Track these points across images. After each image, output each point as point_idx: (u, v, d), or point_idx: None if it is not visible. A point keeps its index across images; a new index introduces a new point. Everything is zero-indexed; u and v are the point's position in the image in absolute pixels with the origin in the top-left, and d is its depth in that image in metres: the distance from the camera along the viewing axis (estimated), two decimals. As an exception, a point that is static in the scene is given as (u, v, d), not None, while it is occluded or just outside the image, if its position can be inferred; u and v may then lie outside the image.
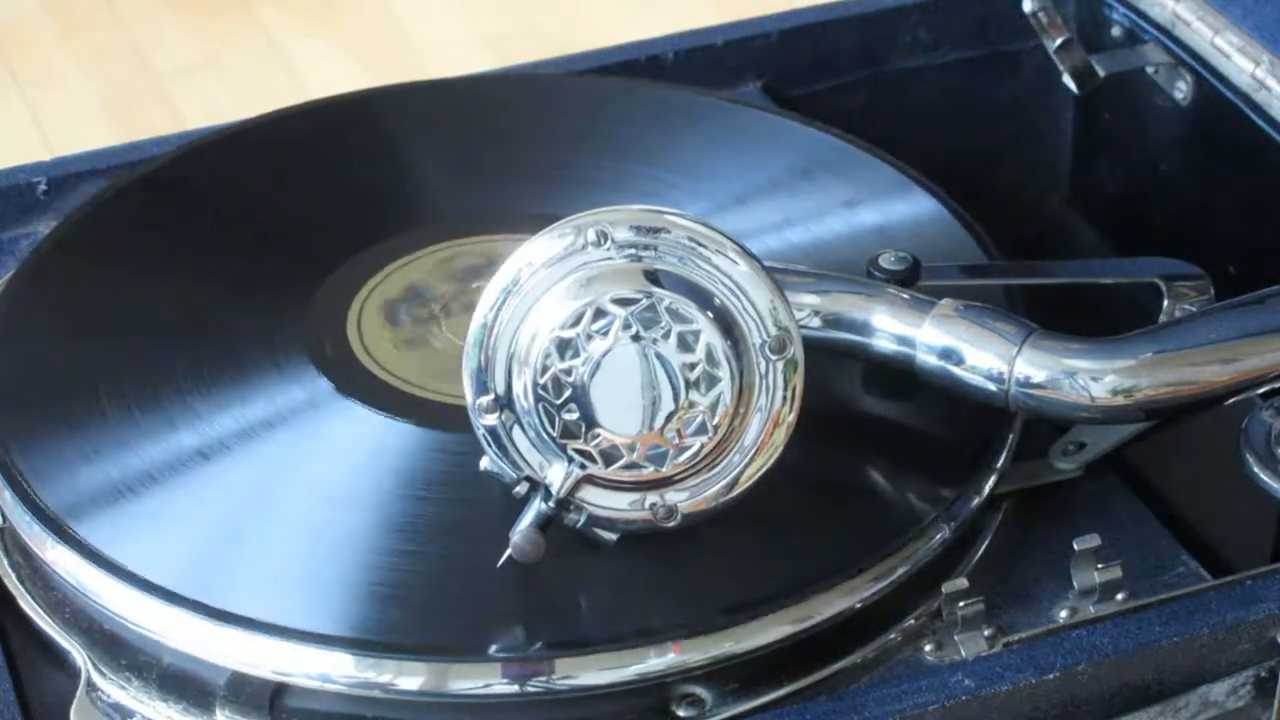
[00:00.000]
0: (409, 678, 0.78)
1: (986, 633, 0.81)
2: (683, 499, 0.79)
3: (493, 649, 0.78)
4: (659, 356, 0.77)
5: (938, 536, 0.83)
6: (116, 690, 0.81)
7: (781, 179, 0.99)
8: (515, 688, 0.78)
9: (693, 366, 0.77)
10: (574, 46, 1.17)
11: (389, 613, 0.79)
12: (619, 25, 1.77)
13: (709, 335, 0.77)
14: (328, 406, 0.87)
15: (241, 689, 0.79)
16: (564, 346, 0.77)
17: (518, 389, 0.78)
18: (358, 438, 0.85)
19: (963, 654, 0.81)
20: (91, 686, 0.81)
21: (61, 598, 0.84)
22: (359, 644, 0.78)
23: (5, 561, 0.86)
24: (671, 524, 0.79)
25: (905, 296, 0.84)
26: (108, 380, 0.88)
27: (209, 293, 0.93)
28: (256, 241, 0.97)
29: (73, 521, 0.83)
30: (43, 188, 1.03)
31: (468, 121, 1.04)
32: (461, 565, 0.81)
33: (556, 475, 0.78)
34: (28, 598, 0.85)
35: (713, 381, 0.77)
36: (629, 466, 0.78)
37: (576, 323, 0.77)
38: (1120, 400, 0.81)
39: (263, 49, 1.80)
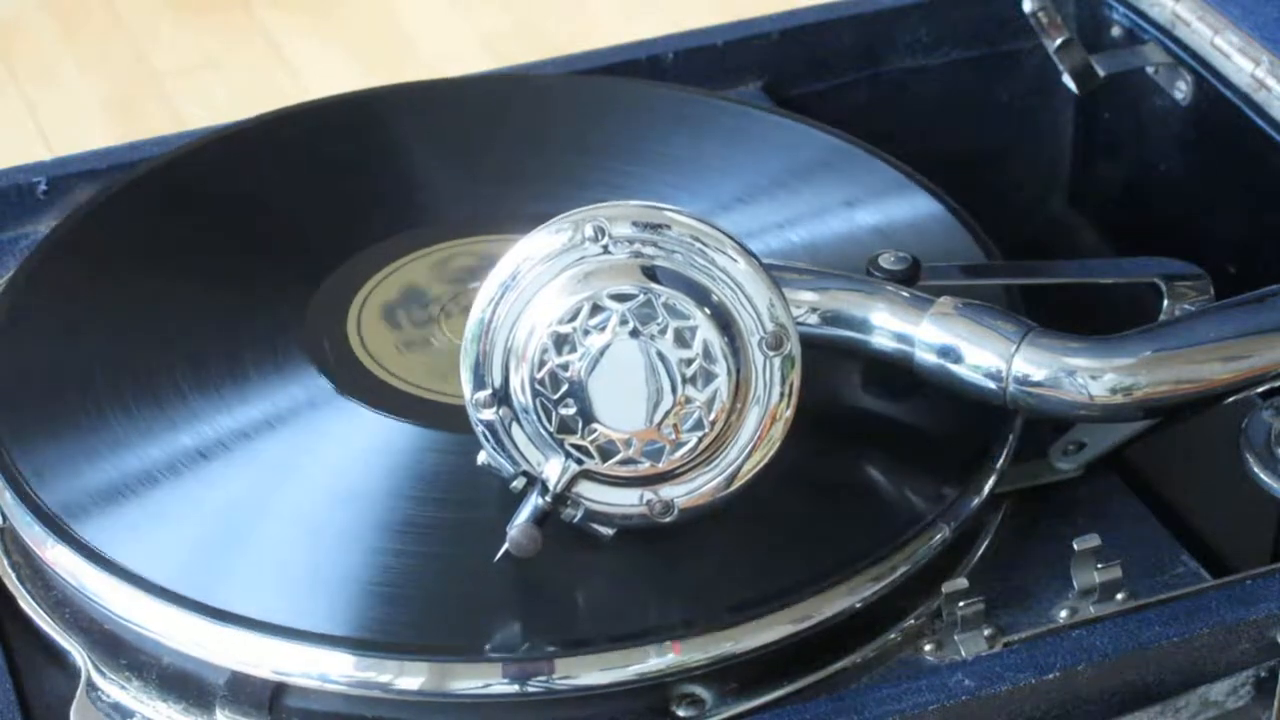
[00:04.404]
0: (409, 678, 0.78)
1: (986, 633, 0.81)
2: (680, 494, 0.79)
3: (492, 649, 0.78)
4: (656, 352, 0.77)
5: (938, 536, 0.83)
6: (116, 690, 0.81)
7: (781, 179, 0.99)
8: (515, 688, 0.78)
9: (689, 362, 0.77)
10: (574, 46, 1.17)
11: (389, 613, 0.79)
12: (619, 25, 1.77)
13: (706, 331, 0.77)
14: (327, 406, 0.87)
15: (241, 689, 0.79)
16: (561, 341, 0.77)
17: (515, 384, 0.78)
18: (357, 437, 0.85)
19: (963, 654, 0.81)
20: (91, 686, 0.81)
21: (61, 598, 0.84)
22: (359, 644, 0.78)
23: (5, 561, 0.86)
24: (668, 519, 0.79)
25: (904, 294, 0.84)
26: (107, 380, 0.88)
27: (209, 293, 0.93)
28: (256, 241, 0.97)
29: (72, 521, 0.83)
30: (43, 188, 1.03)
31: (467, 121, 1.04)
32: (461, 565, 0.81)
33: (553, 470, 0.78)
34: (28, 598, 0.85)
35: (709, 377, 0.77)
36: (626, 462, 0.78)
37: (574, 318, 0.77)
38: (1119, 398, 0.81)
39: (263, 49, 1.80)
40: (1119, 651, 0.79)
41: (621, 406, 0.77)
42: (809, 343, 0.80)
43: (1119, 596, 0.83)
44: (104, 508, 0.83)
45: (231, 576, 0.81)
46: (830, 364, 0.86)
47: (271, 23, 1.84)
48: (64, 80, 1.78)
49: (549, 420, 0.78)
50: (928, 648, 0.82)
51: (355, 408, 0.87)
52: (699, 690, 0.80)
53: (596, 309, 0.77)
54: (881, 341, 0.84)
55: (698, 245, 0.77)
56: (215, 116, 1.30)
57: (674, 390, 0.77)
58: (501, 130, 1.03)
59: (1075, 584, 0.83)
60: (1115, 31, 1.10)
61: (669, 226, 0.78)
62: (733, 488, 0.79)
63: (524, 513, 0.78)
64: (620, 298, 0.77)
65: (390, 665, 0.78)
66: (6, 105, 1.75)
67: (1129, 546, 0.86)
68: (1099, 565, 0.82)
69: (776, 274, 0.79)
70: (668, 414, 0.77)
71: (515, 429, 0.79)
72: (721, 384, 0.77)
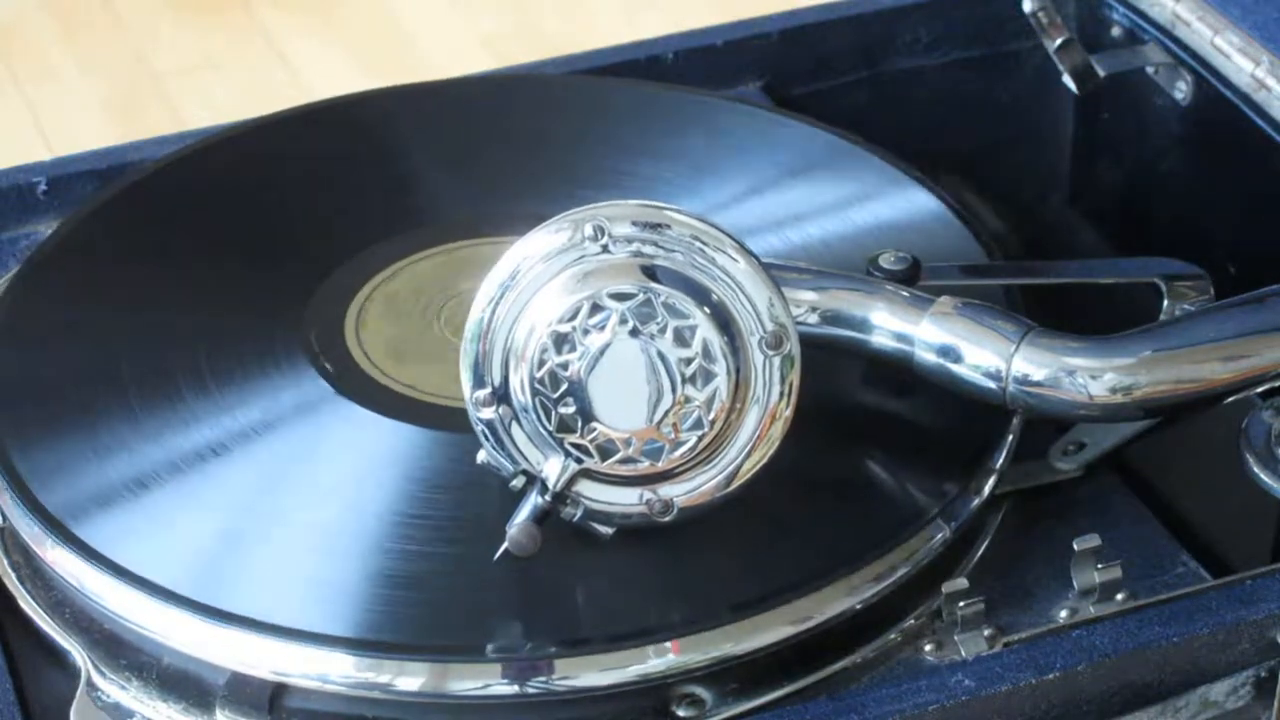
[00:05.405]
0: (408, 678, 0.78)
1: (986, 633, 0.81)
2: (679, 493, 0.79)
3: (492, 649, 0.78)
4: (656, 351, 0.77)
5: (938, 536, 0.83)
6: (116, 690, 0.81)
7: (781, 179, 0.99)
8: (515, 688, 0.78)
9: (689, 361, 0.77)
10: (574, 46, 1.17)
11: (388, 612, 0.79)
12: (619, 25, 1.77)
13: (705, 330, 0.77)
14: (326, 407, 0.87)
15: (241, 689, 0.79)
16: (561, 341, 0.77)
17: (515, 383, 0.78)
18: (356, 439, 0.85)
19: (963, 654, 0.81)
20: (91, 686, 0.81)
21: (61, 598, 0.84)
22: (359, 644, 0.78)
23: (5, 561, 0.86)
24: (667, 518, 0.79)
25: (904, 294, 0.84)
26: (108, 380, 0.88)
27: (209, 293, 0.93)
28: (256, 242, 0.97)
29: (73, 522, 0.83)
30: (43, 188, 1.03)
31: (467, 122, 1.04)
32: (460, 565, 0.81)
33: (553, 469, 0.78)
34: (28, 598, 0.85)
35: (709, 376, 0.77)
36: (625, 461, 0.78)
37: (573, 317, 0.77)
38: (1119, 398, 0.81)
39: (263, 49, 1.80)
40: (1119, 651, 0.79)
41: (621, 405, 0.77)
42: (809, 342, 0.80)
43: (1119, 596, 0.83)
44: (104, 508, 0.83)
45: (231, 577, 0.81)
46: (830, 364, 0.86)
47: (271, 23, 1.84)
48: (64, 80, 1.78)
49: (548, 419, 0.78)
50: (928, 648, 0.82)
51: (354, 409, 0.87)
52: (699, 690, 0.80)
53: (596, 308, 0.77)
54: (881, 341, 0.84)
55: (698, 245, 0.77)
56: (215, 116, 1.31)
57: (673, 389, 0.77)
58: (501, 130, 1.03)
59: (1075, 584, 0.83)
60: (1115, 31, 1.10)
61: (669, 226, 0.78)
62: (732, 487, 0.79)
63: (524, 511, 0.78)
64: (620, 297, 0.77)
65: (390, 665, 0.78)
66: (6, 105, 1.75)
67: (1129, 546, 0.86)
68: (1099, 565, 0.82)
69: (776, 274, 0.79)
70: (667, 413, 0.77)
71: (515, 428, 0.79)
72: (721, 383, 0.77)
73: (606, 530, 0.80)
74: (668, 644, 0.78)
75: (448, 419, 0.84)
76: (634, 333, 0.77)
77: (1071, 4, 1.11)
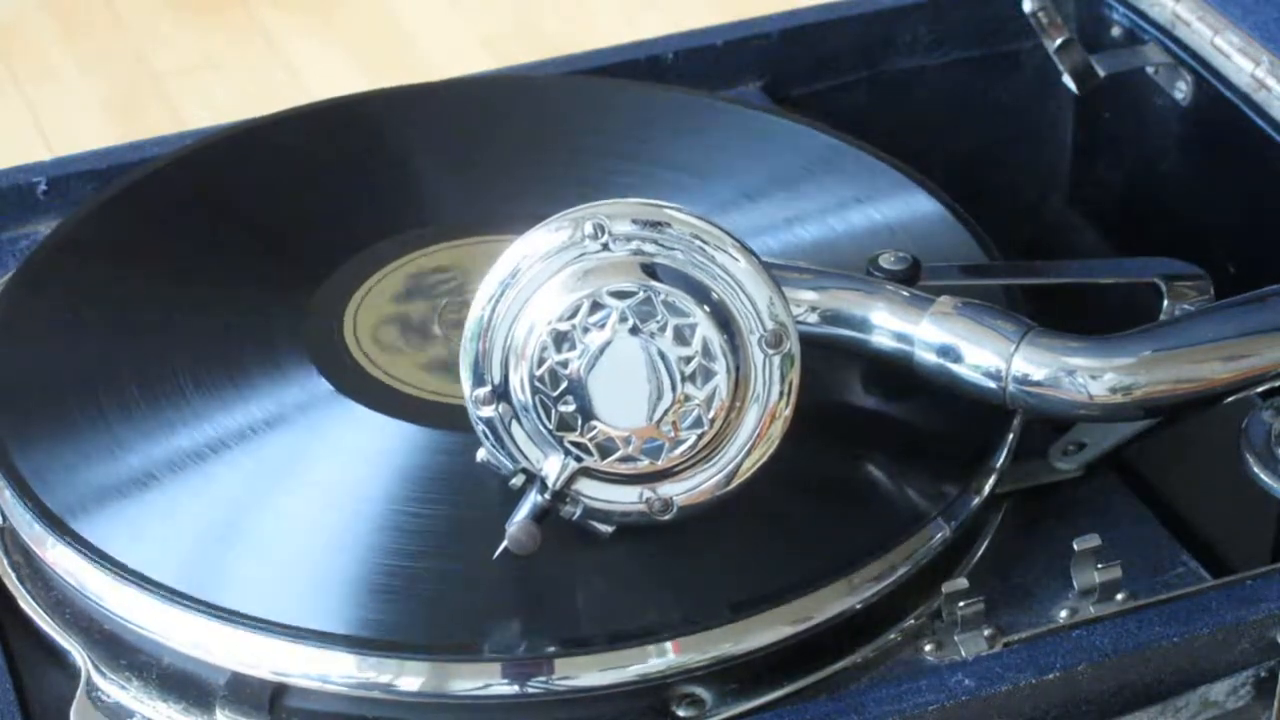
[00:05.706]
0: (408, 678, 0.78)
1: (986, 633, 0.81)
2: (679, 492, 0.79)
3: (492, 649, 0.78)
4: (656, 350, 0.77)
5: (938, 536, 0.83)
6: (116, 690, 0.81)
7: (781, 179, 0.99)
8: (515, 688, 0.78)
9: (689, 360, 0.77)
10: (574, 46, 1.17)
11: (389, 612, 0.79)
12: (619, 25, 1.78)
13: (705, 329, 0.77)
14: (326, 406, 0.87)
15: (241, 689, 0.79)
16: (560, 339, 0.77)
17: (515, 381, 0.78)
18: (356, 438, 0.85)
19: (963, 654, 0.81)
20: (91, 686, 0.81)
21: (61, 598, 0.84)
22: (359, 643, 0.78)
23: (5, 561, 0.86)
24: (667, 517, 0.79)
25: (904, 294, 0.84)
26: (108, 380, 0.88)
27: (209, 293, 0.93)
28: (256, 242, 0.97)
29: (73, 521, 0.83)
30: (43, 188, 1.03)
31: (467, 123, 1.04)
32: (460, 564, 0.81)
33: (553, 467, 0.78)
34: (28, 598, 0.85)
35: (708, 375, 0.77)
36: (625, 459, 0.78)
37: (573, 315, 0.77)
38: (1119, 398, 0.81)
39: (263, 49, 1.80)
40: (1119, 651, 0.79)
41: (621, 404, 0.77)
42: (809, 342, 0.80)
43: (1119, 596, 0.83)
44: (104, 507, 0.83)
45: (231, 576, 0.81)
46: (830, 363, 0.86)
47: (271, 23, 1.84)
48: (64, 80, 1.78)
49: (548, 417, 0.78)
50: (928, 648, 0.82)
51: (354, 407, 0.87)
52: (699, 690, 0.80)
53: (596, 306, 0.77)
54: (881, 341, 0.84)
55: (698, 243, 0.78)
56: (215, 116, 1.31)
57: (673, 388, 0.77)
58: (501, 130, 1.03)
59: (1075, 584, 0.83)
60: (1115, 31, 1.10)
61: (669, 224, 0.78)
62: (732, 486, 0.79)
63: (523, 510, 0.78)
64: (620, 295, 0.77)
65: (390, 665, 0.78)
66: (6, 105, 1.75)
67: (1129, 546, 0.86)
68: (1099, 565, 0.82)
69: (776, 273, 0.79)
70: (667, 411, 0.77)
71: (515, 426, 0.79)
72: (721, 382, 0.77)
73: (606, 529, 0.80)
74: (668, 644, 0.78)
75: (448, 417, 0.84)
76: (634, 331, 0.77)
77: (1071, 4, 1.11)
